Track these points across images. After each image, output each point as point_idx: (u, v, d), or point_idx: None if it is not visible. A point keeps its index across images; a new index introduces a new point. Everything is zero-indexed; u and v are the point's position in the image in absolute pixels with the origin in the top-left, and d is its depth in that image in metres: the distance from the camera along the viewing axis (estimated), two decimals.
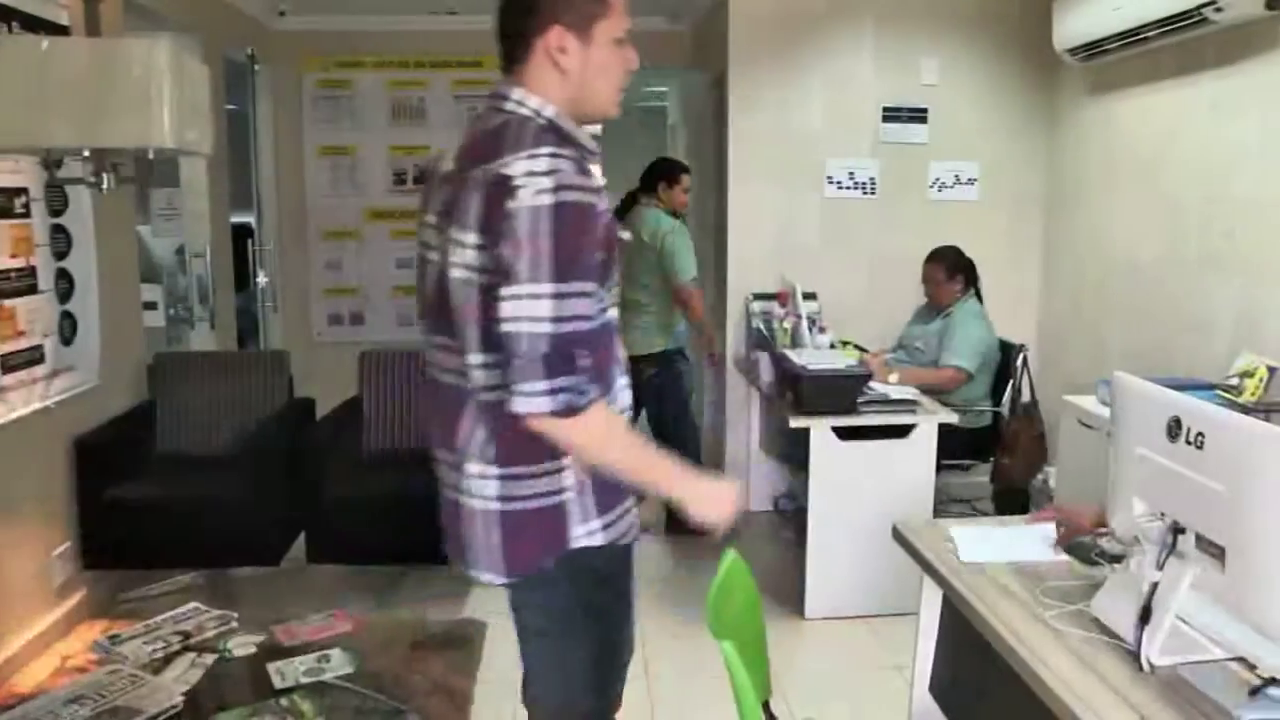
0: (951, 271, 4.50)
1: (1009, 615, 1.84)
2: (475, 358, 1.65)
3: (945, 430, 3.85)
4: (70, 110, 2.51)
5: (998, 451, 4.34)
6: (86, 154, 2.67)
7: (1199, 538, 1.63)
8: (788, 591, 3.91)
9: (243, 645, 2.99)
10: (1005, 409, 4.45)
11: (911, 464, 3.78)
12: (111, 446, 3.86)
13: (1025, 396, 4.31)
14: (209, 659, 2.95)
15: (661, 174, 4.75)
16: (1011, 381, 4.40)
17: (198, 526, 3.78)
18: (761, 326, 4.74)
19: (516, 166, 1.57)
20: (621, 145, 12.79)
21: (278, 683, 2.82)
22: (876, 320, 5.04)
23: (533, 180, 1.55)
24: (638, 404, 4.81)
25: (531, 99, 1.71)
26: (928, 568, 2.15)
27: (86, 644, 3.25)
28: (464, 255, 1.61)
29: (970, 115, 5.19)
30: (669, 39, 6.20)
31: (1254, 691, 1.54)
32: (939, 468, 3.90)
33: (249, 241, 5.76)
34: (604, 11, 1.73)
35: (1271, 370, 3.52)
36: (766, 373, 4.42)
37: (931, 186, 5.22)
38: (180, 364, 4.41)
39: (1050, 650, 1.70)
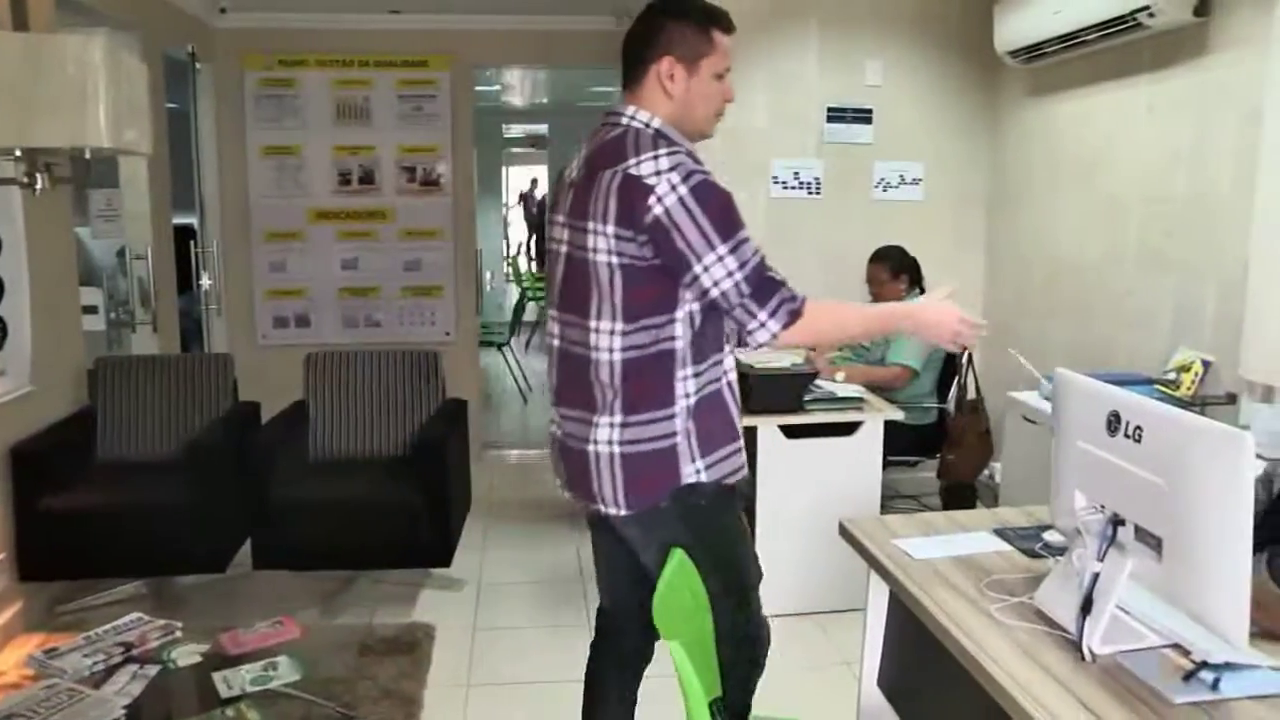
0: (895, 271, 4.55)
1: (954, 609, 1.86)
2: (614, 325, 2.00)
3: (891, 427, 3.89)
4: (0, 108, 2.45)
5: (944, 448, 4.39)
6: (18, 154, 2.61)
7: (1138, 529, 1.66)
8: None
9: (187, 655, 2.93)
10: (951, 406, 4.51)
11: (858, 461, 3.81)
12: (49, 454, 3.77)
13: (970, 393, 4.37)
14: (152, 670, 2.88)
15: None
16: (956, 378, 4.46)
17: (140, 534, 3.71)
18: None
19: (643, 168, 1.94)
20: (567, 144, 12.78)
21: (224, 692, 2.76)
22: None
23: (662, 178, 1.92)
24: None
25: (641, 113, 2.07)
26: (875, 564, 2.17)
27: (21, 659, 3.16)
28: (606, 243, 1.97)
29: (914, 116, 5.25)
30: (614, 39, 6.13)
31: (1187, 676, 1.58)
32: (885, 464, 3.93)
33: (191, 243, 5.64)
34: (710, 50, 2.08)
35: (1206, 364, 3.60)
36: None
37: (876, 186, 5.27)
38: (121, 368, 4.33)
39: (995, 643, 1.72)
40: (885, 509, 3.90)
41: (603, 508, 2.12)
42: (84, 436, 4.11)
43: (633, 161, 1.96)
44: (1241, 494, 1.49)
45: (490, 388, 8.59)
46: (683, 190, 1.91)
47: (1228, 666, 1.57)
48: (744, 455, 2.16)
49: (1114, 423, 1.71)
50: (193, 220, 5.75)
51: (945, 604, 1.88)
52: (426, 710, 3.08)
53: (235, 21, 5.88)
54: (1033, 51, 4.52)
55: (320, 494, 3.93)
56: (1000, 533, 2.26)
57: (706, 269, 1.94)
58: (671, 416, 2.04)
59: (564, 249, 2.12)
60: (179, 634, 3.07)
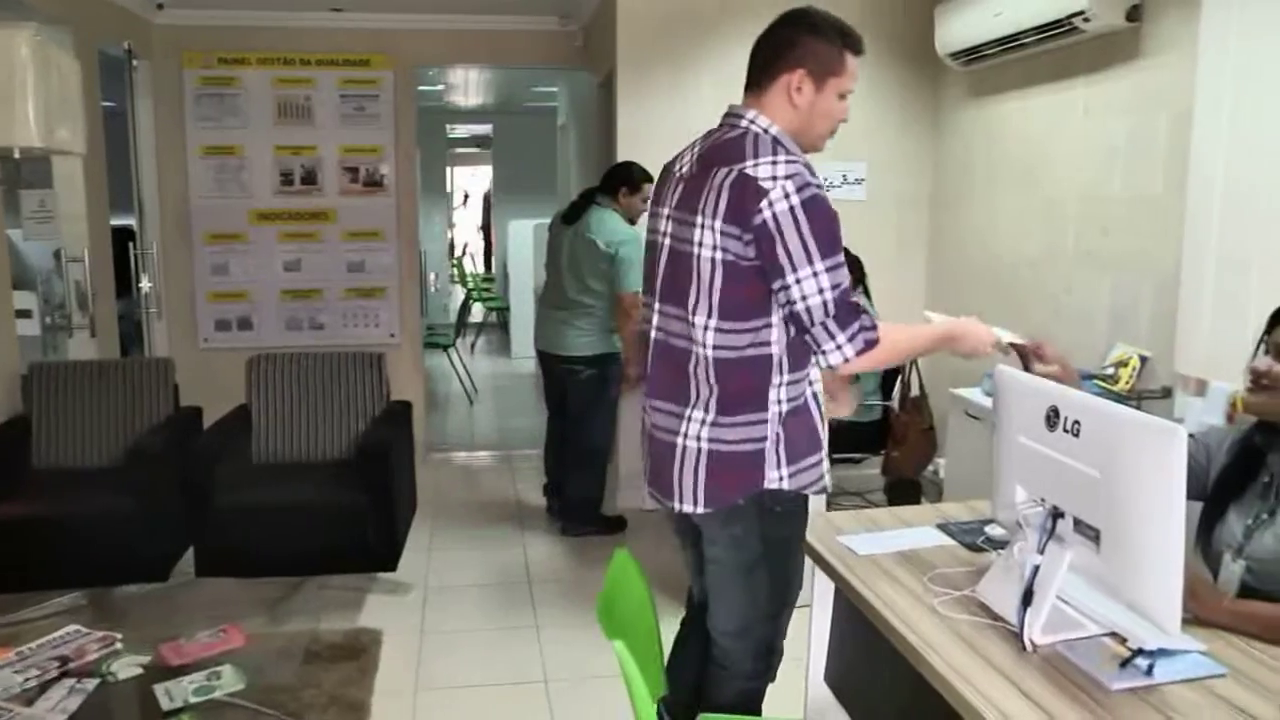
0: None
1: (898, 604, 1.89)
2: (709, 321, 2.03)
3: (836, 425, 3.92)
4: None
5: (888, 445, 4.44)
6: None
7: (1077, 521, 1.70)
8: (685, 590, 3.94)
9: (127, 667, 2.85)
10: (895, 403, 4.56)
11: None
12: None
13: (914, 390, 4.42)
14: (90, 684, 2.79)
15: (625, 179, 4.60)
16: (900, 376, 4.51)
17: (79, 544, 3.62)
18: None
19: (760, 170, 1.96)
20: (511, 145, 12.81)
21: (165, 704, 2.69)
22: None
23: (777, 184, 1.94)
24: (565, 403, 4.78)
25: (761, 118, 2.09)
26: (819, 561, 2.20)
27: None
28: (712, 238, 2.00)
29: (857, 116, 5.21)
30: (559, 39, 6.18)
31: (1124, 663, 1.62)
32: (831, 462, 3.96)
33: (130, 245, 5.53)
34: (839, 70, 2.11)
35: (1144, 359, 3.69)
36: None
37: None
38: (58, 374, 4.23)
39: (938, 636, 1.75)
40: (831, 506, 3.94)
41: (678, 504, 2.13)
42: (18, 445, 4.01)
43: (750, 163, 1.98)
44: (1175, 485, 1.52)
45: (436, 390, 8.53)
46: (795, 200, 1.94)
47: (1162, 653, 1.62)
48: (825, 466, 2.18)
49: (1053, 418, 1.74)
50: (131, 221, 5.63)
51: (889, 599, 1.91)
52: (374, 716, 3.03)
53: (173, 18, 5.77)
54: (973, 54, 4.59)
55: (264, 499, 3.87)
56: (943, 527, 2.29)
57: (799, 281, 1.95)
58: (764, 421, 2.06)
59: (667, 241, 2.15)
60: (119, 646, 2.99)
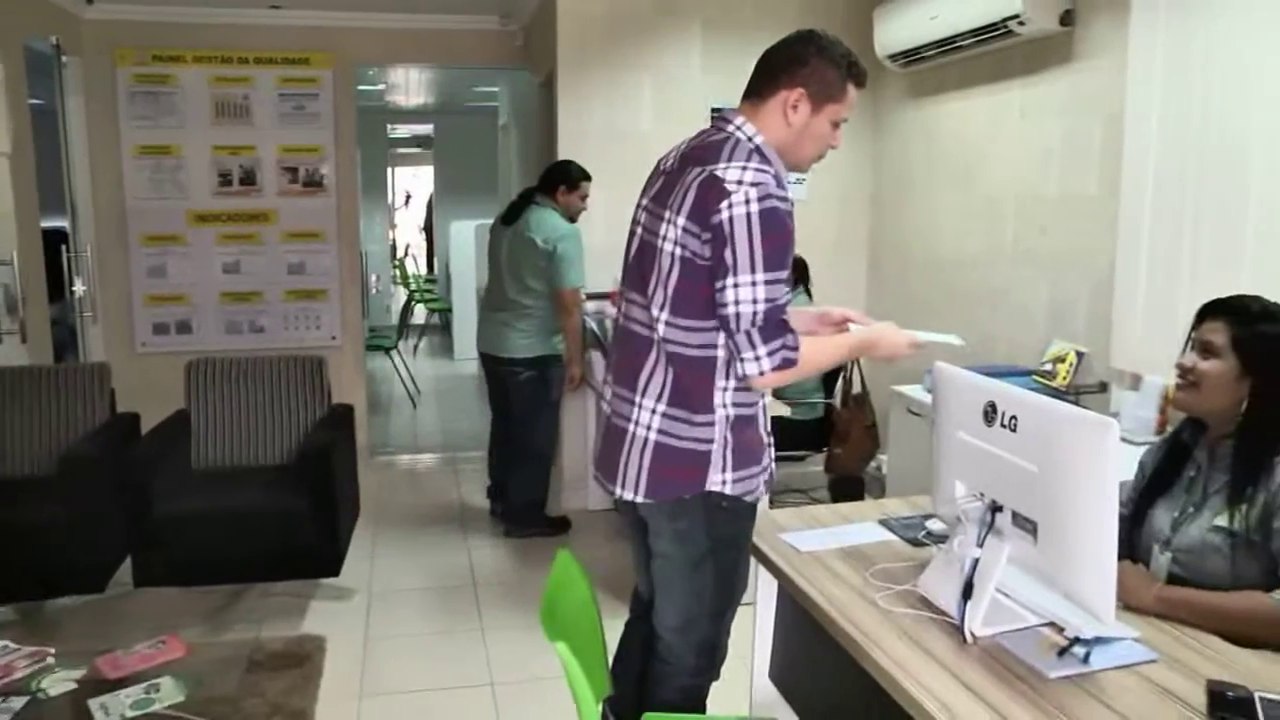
0: None
1: (840, 599, 1.91)
2: (662, 314, 2.06)
3: (778, 423, 3.93)
4: None
5: (831, 442, 4.48)
6: None
7: (1015, 515, 1.73)
8: (630, 590, 3.95)
9: (60, 683, 2.77)
10: (837, 400, 4.61)
11: None
12: None
13: (856, 388, 4.47)
14: (18, 703, 2.71)
15: (563, 178, 4.58)
16: (842, 374, 4.56)
17: (10, 556, 3.52)
18: (594, 327, 4.74)
19: (729, 173, 1.98)
20: (453, 145, 12.72)
21: (100, 719, 2.64)
22: None
23: (741, 188, 1.96)
24: (507, 405, 4.75)
25: (749, 126, 2.11)
26: (762, 558, 2.21)
27: None
28: (674, 233, 2.03)
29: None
30: (500, 39, 6.16)
31: (1061, 652, 1.65)
32: (775, 460, 3.98)
33: (63, 247, 5.39)
34: (839, 98, 2.13)
35: (1080, 355, 3.77)
36: (600, 372, 4.44)
37: None
38: None
39: (881, 631, 1.77)
40: (775, 504, 3.96)
41: (619, 489, 2.15)
42: None
43: (722, 165, 2.00)
44: (1108, 477, 1.56)
45: (378, 392, 8.44)
46: (754, 207, 1.95)
47: (1097, 641, 1.66)
48: (765, 476, 2.19)
49: (990, 413, 1.77)
50: (64, 223, 5.50)
51: (832, 594, 1.93)
52: None
53: (104, 13, 5.64)
54: (911, 56, 4.65)
55: (204, 506, 3.80)
56: (885, 523, 2.32)
57: (737, 286, 1.96)
58: (712, 424, 2.07)
59: (639, 230, 2.19)
60: (51, 660, 2.91)
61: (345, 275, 6.18)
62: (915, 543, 2.20)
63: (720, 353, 2.05)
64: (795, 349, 1.99)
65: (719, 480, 2.08)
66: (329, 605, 4.02)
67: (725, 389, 2.06)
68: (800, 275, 4.66)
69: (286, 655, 3.37)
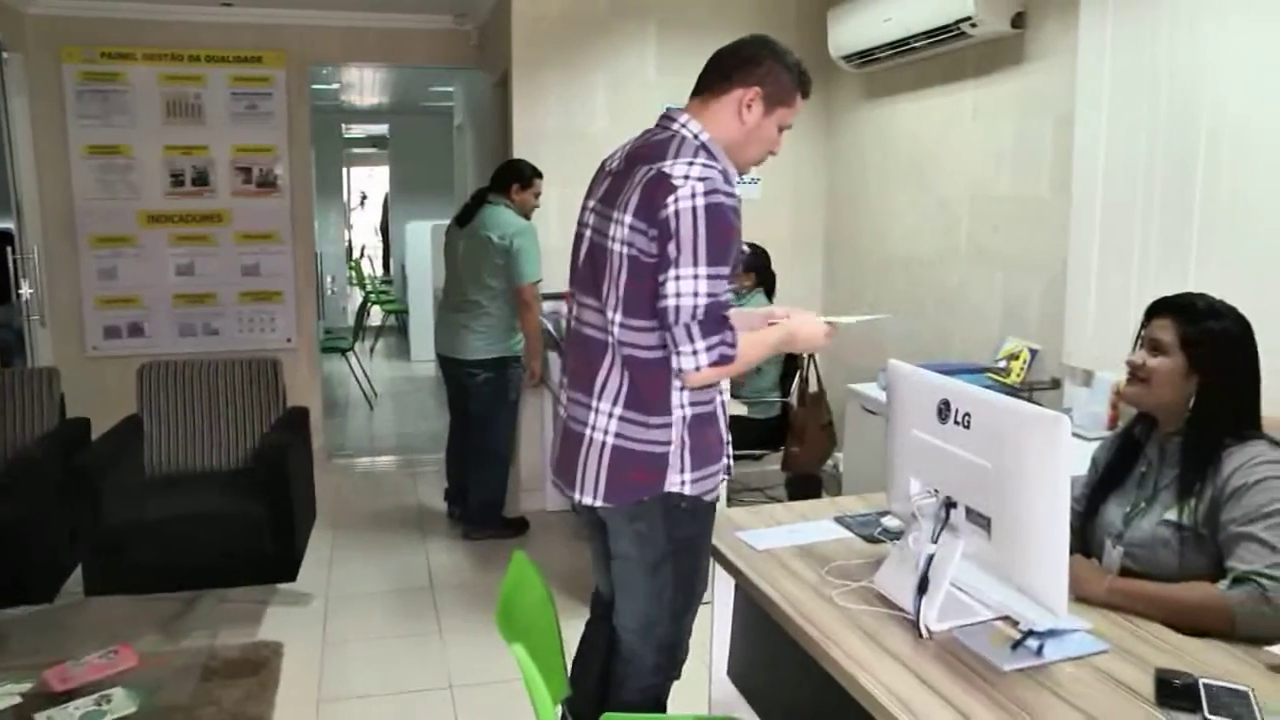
0: (746, 267, 4.63)
1: (797, 597, 1.92)
2: (616, 316, 2.05)
3: (735, 422, 3.94)
4: None
5: (788, 440, 4.50)
6: None
7: (969, 510, 1.75)
8: (589, 590, 3.95)
9: (4, 697, 2.72)
10: (793, 399, 4.63)
11: None
12: None
13: (813, 386, 4.49)
14: None
15: (515, 176, 4.58)
16: (799, 372, 4.59)
17: None
18: (550, 327, 4.74)
19: (676, 169, 1.98)
20: (408, 145, 12.64)
21: None
22: None
23: (688, 183, 1.95)
24: (466, 407, 4.73)
25: (694, 124, 2.12)
26: (719, 557, 2.22)
27: None
28: (622, 232, 2.02)
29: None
30: (455, 38, 6.12)
31: (1015, 645, 1.68)
32: (732, 459, 3.99)
33: (9, 249, 5.29)
34: (790, 101, 2.16)
35: (1033, 352, 3.82)
36: (557, 373, 4.43)
37: None
38: None
39: (837, 627, 1.78)
40: (732, 503, 3.97)
41: (578, 494, 2.15)
42: None
43: (669, 162, 2.00)
44: (1060, 472, 1.59)
45: (334, 395, 8.36)
46: (700, 201, 1.94)
47: (1051, 633, 1.68)
48: (723, 474, 2.19)
49: (944, 410, 1.79)
50: (9, 225, 5.38)
51: (788, 592, 1.94)
52: None
53: (49, 8, 5.51)
54: (865, 57, 4.69)
55: (157, 512, 3.74)
56: (841, 520, 2.34)
57: (679, 278, 1.95)
58: (668, 425, 2.07)
59: (588, 233, 2.18)
60: None
61: (300, 276, 6.11)
62: (871, 540, 2.22)
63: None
64: (733, 346, 1.99)
65: (678, 481, 2.08)
66: (286, 611, 3.98)
67: (682, 389, 2.06)
68: (763, 278, 4.68)
69: (242, 662, 3.33)
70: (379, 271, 14.61)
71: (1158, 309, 2.07)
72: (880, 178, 5.06)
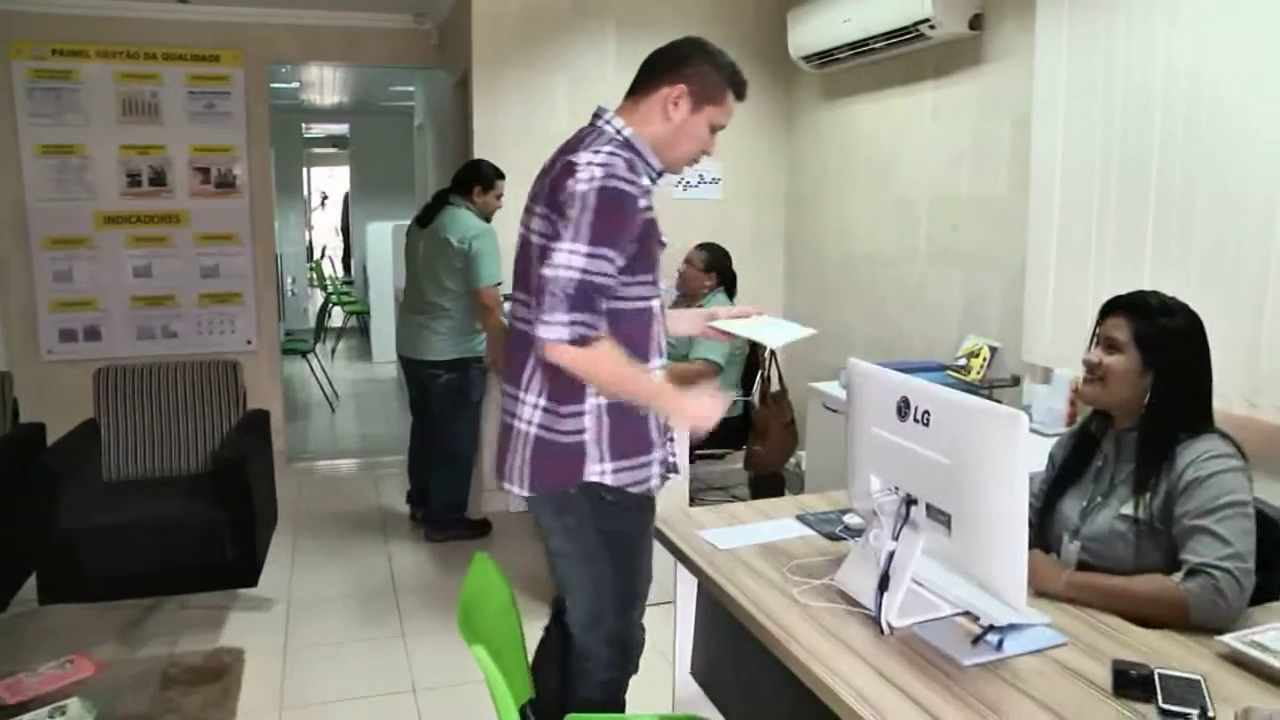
0: (707, 267, 4.64)
1: (759, 595, 1.92)
2: (535, 307, 2.01)
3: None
4: None
5: (750, 439, 4.52)
6: None
7: (929, 507, 1.77)
8: (552, 592, 3.94)
9: None
10: (755, 398, 4.65)
11: None
12: None
13: (775, 385, 4.51)
14: None
15: (477, 178, 4.57)
16: (760, 371, 4.60)
17: None
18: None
19: (581, 157, 2.01)
20: (369, 145, 12.56)
21: None
22: None
23: (589, 168, 1.98)
24: (428, 408, 4.70)
25: (618, 120, 2.15)
26: (680, 556, 2.22)
27: None
28: (537, 223, 2.07)
29: None
30: (414, 37, 6.08)
31: (976, 640, 1.69)
32: (693, 459, 4.01)
33: None
34: (719, 100, 2.16)
35: (993, 350, 3.86)
36: None
37: (677, 186, 5.38)
38: None
39: (799, 625, 1.79)
40: (696, 502, 3.99)
41: (508, 484, 2.16)
42: None
43: (579, 152, 2.04)
44: (1018, 468, 1.60)
45: (296, 397, 8.28)
46: (595, 184, 1.96)
47: (1010, 627, 1.70)
48: (657, 469, 2.17)
49: (904, 408, 1.81)
50: None
51: (750, 591, 1.95)
52: None
53: None
54: (825, 57, 4.72)
55: (114, 518, 3.68)
56: (802, 518, 2.35)
57: (558, 250, 1.96)
58: (582, 414, 2.07)
59: (522, 229, 2.20)
60: None
61: (260, 278, 6.04)
62: (833, 537, 2.23)
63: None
64: (594, 329, 1.96)
65: (597, 471, 2.08)
66: (247, 616, 3.94)
67: None
68: (724, 278, 4.68)
69: (203, 669, 3.29)
70: (340, 272, 14.50)
71: (1112, 308, 2.10)
72: (840, 177, 5.09)
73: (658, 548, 2.30)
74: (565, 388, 2.06)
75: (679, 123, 2.14)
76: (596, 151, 2.02)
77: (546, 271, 1.96)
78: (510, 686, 1.60)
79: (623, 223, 1.99)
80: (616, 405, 2.08)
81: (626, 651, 2.27)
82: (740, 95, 2.20)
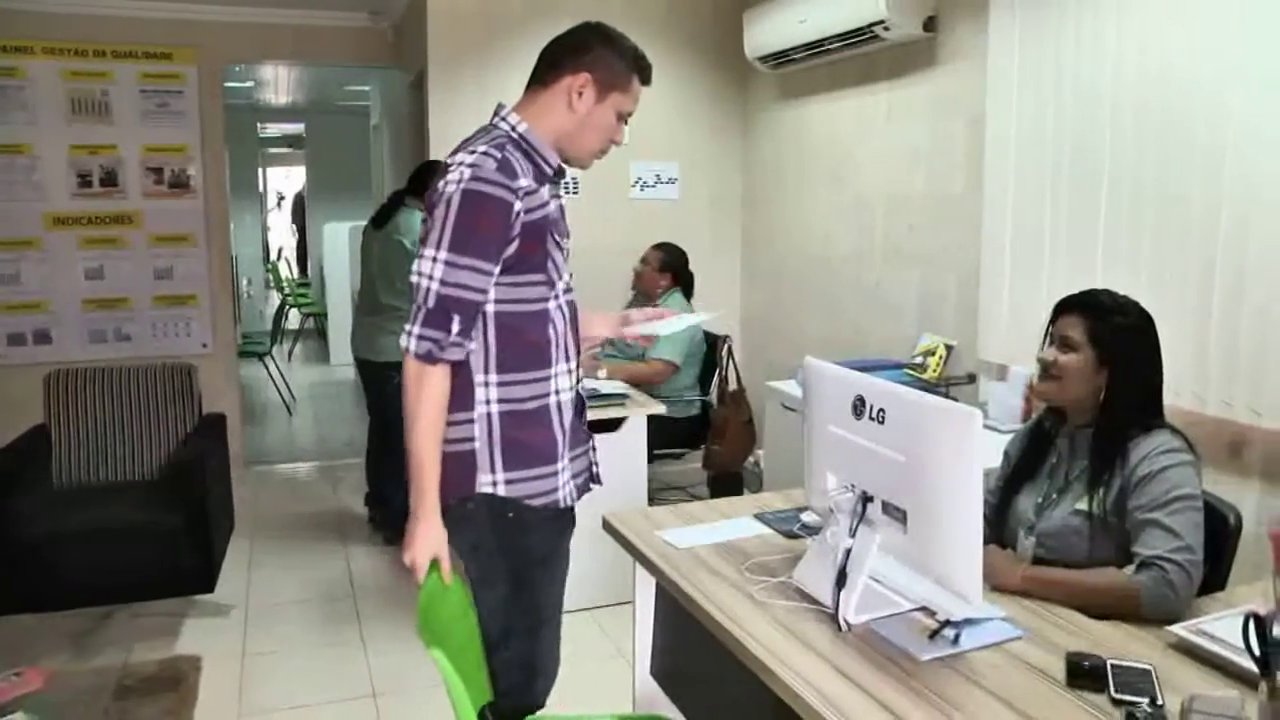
0: (663, 267, 4.65)
1: (717, 594, 1.93)
2: None
3: (656, 421, 3.97)
4: None
5: (709, 438, 4.53)
6: None
7: (885, 504, 1.78)
8: None
9: None
10: (713, 397, 4.67)
11: (624, 457, 3.83)
12: None
13: (733, 385, 4.53)
14: None
15: (432, 179, 4.53)
16: (718, 371, 4.62)
17: None
18: None
19: (457, 158, 1.96)
20: (325, 145, 12.44)
21: None
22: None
23: (459, 168, 1.92)
24: (385, 409, 4.66)
25: (514, 117, 2.08)
26: (638, 556, 2.22)
27: None
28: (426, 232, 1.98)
29: (669, 117, 5.39)
30: (370, 36, 6.04)
31: (933, 634, 1.71)
32: (652, 458, 4.01)
33: None
34: (625, 88, 2.08)
35: (950, 348, 3.90)
36: None
37: (634, 186, 5.39)
38: None
39: (757, 623, 1.80)
40: (655, 501, 3.98)
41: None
42: None
43: (459, 152, 1.99)
44: (973, 465, 1.62)
45: (253, 400, 8.19)
46: (461, 186, 1.90)
47: (967, 622, 1.72)
48: (567, 479, 2.07)
49: (859, 406, 1.82)
50: None
51: (708, 589, 1.95)
52: None
53: None
54: (781, 58, 4.74)
55: (66, 526, 3.61)
56: (760, 517, 2.36)
57: (423, 256, 1.92)
58: (471, 421, 1.99)
59: None
60: None
61: (216, 279, 5.96)
62: (790, 535, 2.24)
63: (473, 344, 1.97)
64: (440, 348, 1.89)
65: (489, 481, 1.99)
66: (204, 623, 3.89)
67: (486, 384, 1.99)
68: (679, 279, 4.69)
69: (159, 678, 3.24)
70: (296, 274, 14.35)
71: (1065, 307, 2.13)
72: (797, 177, 5.12)
73: (615, 547, 2.30)
74: (456, 394, 1.97)
75: (584, 113, 2.05)
76: (471, 151, 1.95)
77: (412, 278, 1.93)
78: (468, 689, 1.60)
79: (486, 227, 1.90)
80: (509, 411, 2.00)
81: (531, 681, 2.13)
82: (645, 79, 2.12)
